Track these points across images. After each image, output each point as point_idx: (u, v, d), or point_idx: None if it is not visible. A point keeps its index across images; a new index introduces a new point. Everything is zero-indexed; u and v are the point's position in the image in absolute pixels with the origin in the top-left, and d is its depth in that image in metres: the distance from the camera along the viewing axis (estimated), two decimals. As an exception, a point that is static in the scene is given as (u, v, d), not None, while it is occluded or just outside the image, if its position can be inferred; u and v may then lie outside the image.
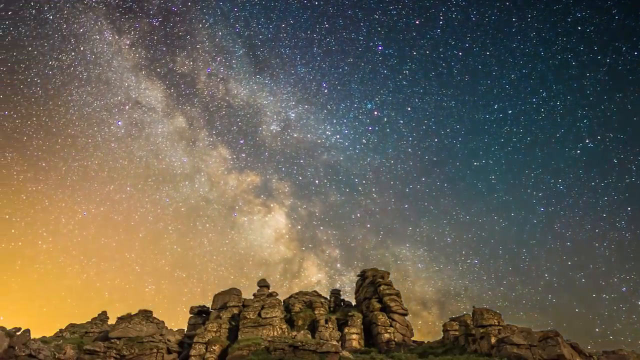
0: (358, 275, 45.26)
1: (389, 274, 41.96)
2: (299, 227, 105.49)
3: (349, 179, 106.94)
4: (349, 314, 36.95)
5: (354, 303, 44.04)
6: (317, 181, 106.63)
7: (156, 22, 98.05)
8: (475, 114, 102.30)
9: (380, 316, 35.48)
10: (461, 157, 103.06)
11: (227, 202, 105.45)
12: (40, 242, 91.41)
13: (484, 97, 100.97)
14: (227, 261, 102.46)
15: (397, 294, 38.01)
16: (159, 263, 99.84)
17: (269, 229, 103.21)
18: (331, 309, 42.23)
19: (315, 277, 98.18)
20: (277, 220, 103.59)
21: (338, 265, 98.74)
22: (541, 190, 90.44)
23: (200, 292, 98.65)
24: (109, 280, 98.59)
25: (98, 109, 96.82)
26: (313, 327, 36.46)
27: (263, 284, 40.09)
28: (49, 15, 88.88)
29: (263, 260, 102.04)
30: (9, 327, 27.39)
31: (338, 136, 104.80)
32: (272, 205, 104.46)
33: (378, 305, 37.29)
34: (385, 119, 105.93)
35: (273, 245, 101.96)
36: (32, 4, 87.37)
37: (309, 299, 41.77)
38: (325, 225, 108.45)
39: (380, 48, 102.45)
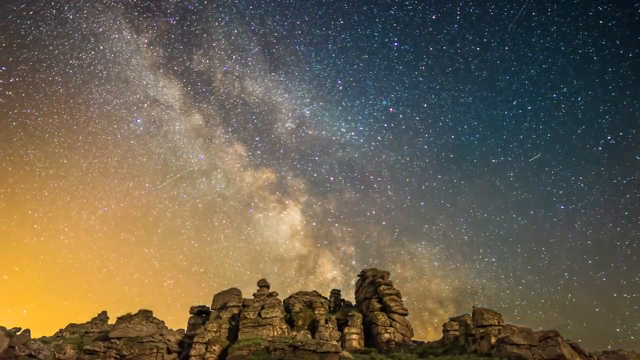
0: (358, 275, 45.27)
1: (389, 274, 41.96)
2: (314, 224, 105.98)
3: (364, 176, 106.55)
4: (349, 314, 36.94)
5: (354, 303, 44.05)
6: (332, 178, 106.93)
7: (173, 21, 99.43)
8: (493, 110, 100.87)
9: (380, 316, 35.47)
10: (479, 154, 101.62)
11: (243, 198, 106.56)
12: (62, 237, 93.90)
13: (503, 93, 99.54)
14: (244, 257, 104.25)
15: (397, 294, 38.00)
16: (176, 258, 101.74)
17: (284, 226, 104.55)
18: (331, 309, 42.22)
19: (330, 273, 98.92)
20: (293, 217, 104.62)
21: (353, 262, 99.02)
22: (561, 187, 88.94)
23: (217, 287, 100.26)
24: (128, 274, 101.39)
25: (117, 107, 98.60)
26: (313, 327, 36.46)
27: (263, 284, 40.09)
28: (69, 15, 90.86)
29: (279, 256, 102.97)
30: (9, 327, 27.41)
31: (353, 133, 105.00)
32: (287, 202, 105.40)
33: (378, 305, 37.28)
34: (401, 116, 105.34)
35: (288, 241, 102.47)
36: (52, 3, 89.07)
37: (309, 299, 41.76)
38: (340, 223, 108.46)
39: (395, 44, 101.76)
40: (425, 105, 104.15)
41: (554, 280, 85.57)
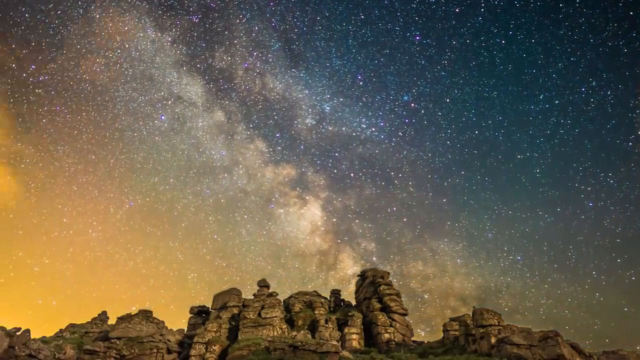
0: (358, 276, 45.27)
1: (389, 273, 41.97)
2: (335, 219, 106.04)
3: (384, 172, 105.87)
4: (349, 314, 36.93)
5: (354, 303, 44.04)
6: (352, 174, 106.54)
7: (196, 19, 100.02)
8: (519, 105, 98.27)
9: (380, 316, 35.47)
10: (504, 150, 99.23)
11: (264, 194, 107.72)
12: (90, 231, 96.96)
13: (529, 87, 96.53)
14: (265, 252, 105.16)
15: (397, 294, 37.99)
16: (200, 252, 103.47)
17: (305, 221, 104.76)
18: (331, 309, 42.21)
19: (351, 269, 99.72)
20: (313, 213, 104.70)
21: (374, 258, 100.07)
22: (590, 184, 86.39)
23: (239, 281, 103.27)
24: (154, 267, 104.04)
25: (143, 104, 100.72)
26: (313, 327, 36.45)
27: (263, 284, 40.08)
28: (96, 14, 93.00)
29: (299, 251, 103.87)
30: (9, 327, 27.39)
31: (373, 129, 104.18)
32: (307, 197, 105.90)
33: (378, 305, 37.28)
34: (423, 111, 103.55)
35: (309, 237, 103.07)
36: (79, 3, 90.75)
37: (309, 299, 41.75)
38: (361, 219, 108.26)
39: (417, 38, 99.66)
40: (447, 100, 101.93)
41: (581, 279, 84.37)
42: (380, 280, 40.10)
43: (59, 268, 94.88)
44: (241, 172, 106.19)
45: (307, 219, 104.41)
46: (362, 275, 43.92)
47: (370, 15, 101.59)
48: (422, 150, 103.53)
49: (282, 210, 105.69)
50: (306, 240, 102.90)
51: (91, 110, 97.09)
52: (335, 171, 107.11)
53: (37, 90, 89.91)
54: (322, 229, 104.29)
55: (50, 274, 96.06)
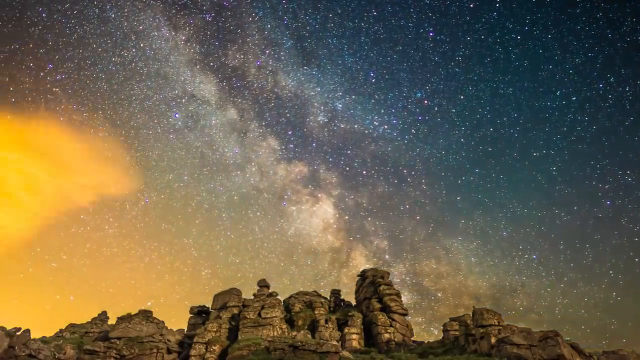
0: (358, 275, 45.25)
1: (389, 274, 41.97)
2: (347, 217, 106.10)
3: (397, 170, 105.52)
4: (349, 314, 36.92)
5: (354, 303, 44.03)
6: (364, 172, 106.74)
7: (209, 17, 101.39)
8: (535, 102, 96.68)
9: (380, 316, 35.46)
10: (519, 148, 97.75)
11: (276, 191, 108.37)
12: (106, 227, 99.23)
13: (545, 83, 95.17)
14: (278, 249, 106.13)
15: (397, 294, 37.98)
16: (214, 249, 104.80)
17: (317, 219, 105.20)
18: (331, 309, 42.20)
19: (363, 267, 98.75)
20: (325, 210, 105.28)
21: (386, 256, 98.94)
22: (608, 182, 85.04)
23: (252, 278, 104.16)
24: (169, 263, 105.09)
25: (157, 102, 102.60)
26: (313, 327, 36.44)
27: (263, 284, 40.06)
28: (111, 14, 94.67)
29: (312, 248, 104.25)
30: (9, 326, 27.39)
31: (386, 126, 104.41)
32: (319, 195, 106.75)
33: (378, 305, 37.27)
34: (436, 108, 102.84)
35: (321, 234, 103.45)
36: (95, 2, 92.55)
37: (309, 299, 41.74)
38: (373, 216, 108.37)
39: (431, 34, 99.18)
40: (462, 97, 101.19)
41: (598, 278, 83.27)
42: (380, 280, 40.09)
43: (77, 264, 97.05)
44: (254, 169, 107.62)
45: (319, 216, 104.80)
46: (362, 275, 43.91)
47: (382, 12, 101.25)
48: (435, 148, 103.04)
49: (294, 208, 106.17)
50: (318, 237, 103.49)
51: (107, 109, 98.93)
52: (348, 169, 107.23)
53: (54, 89, 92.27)
54: (334, 226, 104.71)
55: (68, 269, 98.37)
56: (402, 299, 38.18)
